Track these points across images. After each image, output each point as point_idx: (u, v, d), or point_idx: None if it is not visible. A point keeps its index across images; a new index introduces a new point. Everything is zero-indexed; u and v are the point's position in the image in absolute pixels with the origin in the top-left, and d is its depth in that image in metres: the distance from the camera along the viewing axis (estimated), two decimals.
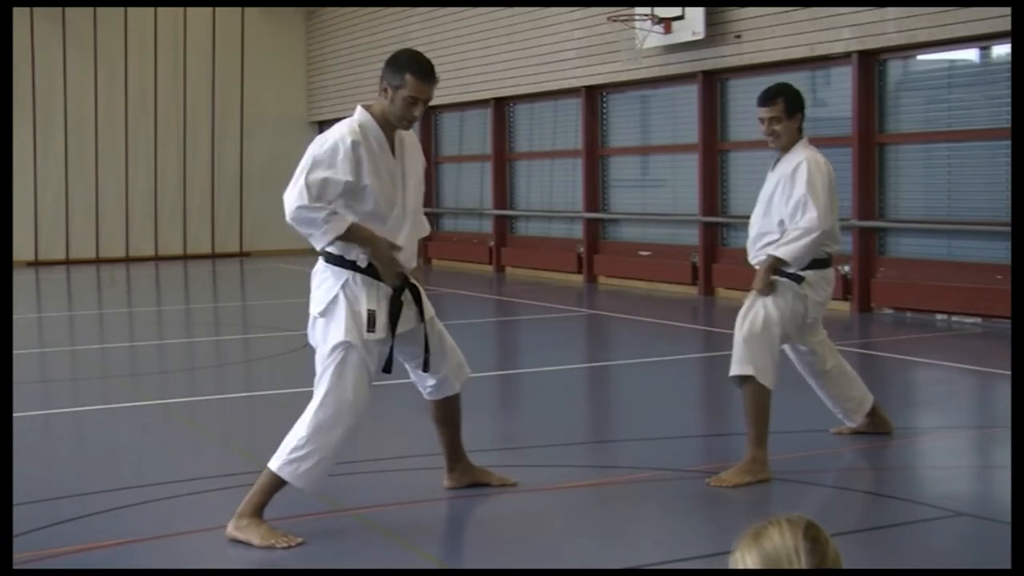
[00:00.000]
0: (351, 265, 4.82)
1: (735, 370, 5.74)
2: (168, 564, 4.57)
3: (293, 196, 4.69)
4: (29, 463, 6.02)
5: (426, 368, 5.10)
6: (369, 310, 4.79)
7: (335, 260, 4.83)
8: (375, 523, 5.01)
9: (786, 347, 6.06)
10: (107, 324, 13.14)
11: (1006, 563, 3.97)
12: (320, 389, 4.79)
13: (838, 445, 6.35)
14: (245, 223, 22.55)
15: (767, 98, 5.81)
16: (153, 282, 18.64)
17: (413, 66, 4.82)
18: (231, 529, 4.74)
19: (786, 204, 5.74)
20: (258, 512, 4.76)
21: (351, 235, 4.74)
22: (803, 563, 1.92)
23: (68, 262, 21.23)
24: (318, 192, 4.68)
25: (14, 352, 8.94)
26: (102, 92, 21.32)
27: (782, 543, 1.94)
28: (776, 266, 5.73)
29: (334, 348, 4.76)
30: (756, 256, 5.91)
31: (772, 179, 5.86)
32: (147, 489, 5.51)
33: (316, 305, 4.85)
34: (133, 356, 10.74)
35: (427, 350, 5.04)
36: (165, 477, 5.74)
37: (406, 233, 4.91)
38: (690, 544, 4.86)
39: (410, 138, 5.02)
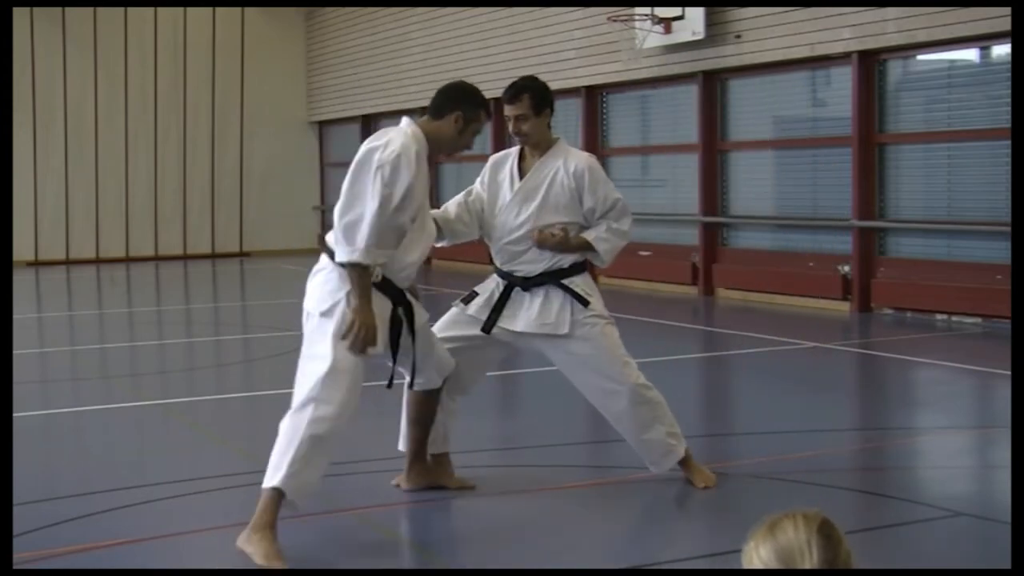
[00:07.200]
0: None
1: (669, 464, 5.44)
2: (168, 564, 4.56)
3: (374, 208, 4.53)
4: (29, 463, 6.02)
5: (413, 375, 4.99)
6: None
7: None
8: (375, 523, 5.01)
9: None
10: (107, 324, 13.13)
11: (1006, 563, 3.97)
12: (305, 392, 4.58)
13: (838, 445, 6.35)
14: (245, 223, 22.55)
15: (512, 94, 5.28)
16: (153, 282, 18.64)
17: (487, 106, 4.94)
18: (241, 540, 4.57)
19: (590, 201, 5.27)
20: (269, 527, 4.54)
21: (363, 275, 4.59)
22: (814, 558, 1.92)
23: (68, 262, 21.22)
24: (399, 203, 4.58)
25: (14, 352, 8.94)
26: (102, 92, 21.32)
27: (795, 537, 1.95)
28: (584, 250, 5.28)
29: (329, 353, 4.58)
30: (523, 260, 5.33)
31: (535, 176, 5.30)
32: (147, 489, 5.51)
33: (319, 303, 4.67)
34: (133, 356, 10.73)
35: (414, 360, 4.91)
36: (165, 477, 5.73)
37: (421, 249, 4.85)
38: (690, 544, 4.86)
39: None
